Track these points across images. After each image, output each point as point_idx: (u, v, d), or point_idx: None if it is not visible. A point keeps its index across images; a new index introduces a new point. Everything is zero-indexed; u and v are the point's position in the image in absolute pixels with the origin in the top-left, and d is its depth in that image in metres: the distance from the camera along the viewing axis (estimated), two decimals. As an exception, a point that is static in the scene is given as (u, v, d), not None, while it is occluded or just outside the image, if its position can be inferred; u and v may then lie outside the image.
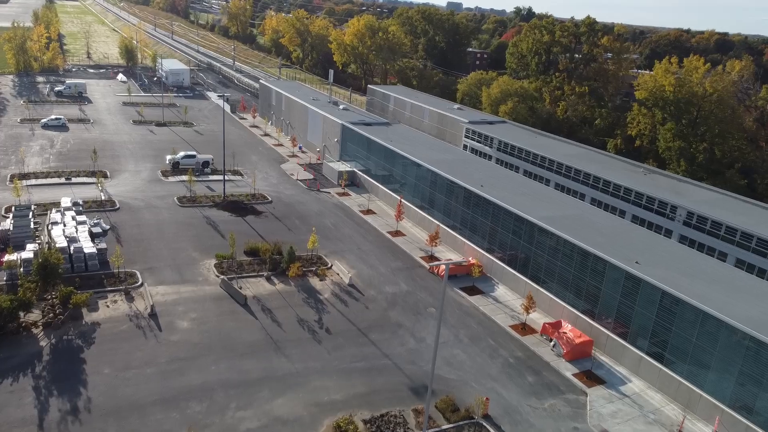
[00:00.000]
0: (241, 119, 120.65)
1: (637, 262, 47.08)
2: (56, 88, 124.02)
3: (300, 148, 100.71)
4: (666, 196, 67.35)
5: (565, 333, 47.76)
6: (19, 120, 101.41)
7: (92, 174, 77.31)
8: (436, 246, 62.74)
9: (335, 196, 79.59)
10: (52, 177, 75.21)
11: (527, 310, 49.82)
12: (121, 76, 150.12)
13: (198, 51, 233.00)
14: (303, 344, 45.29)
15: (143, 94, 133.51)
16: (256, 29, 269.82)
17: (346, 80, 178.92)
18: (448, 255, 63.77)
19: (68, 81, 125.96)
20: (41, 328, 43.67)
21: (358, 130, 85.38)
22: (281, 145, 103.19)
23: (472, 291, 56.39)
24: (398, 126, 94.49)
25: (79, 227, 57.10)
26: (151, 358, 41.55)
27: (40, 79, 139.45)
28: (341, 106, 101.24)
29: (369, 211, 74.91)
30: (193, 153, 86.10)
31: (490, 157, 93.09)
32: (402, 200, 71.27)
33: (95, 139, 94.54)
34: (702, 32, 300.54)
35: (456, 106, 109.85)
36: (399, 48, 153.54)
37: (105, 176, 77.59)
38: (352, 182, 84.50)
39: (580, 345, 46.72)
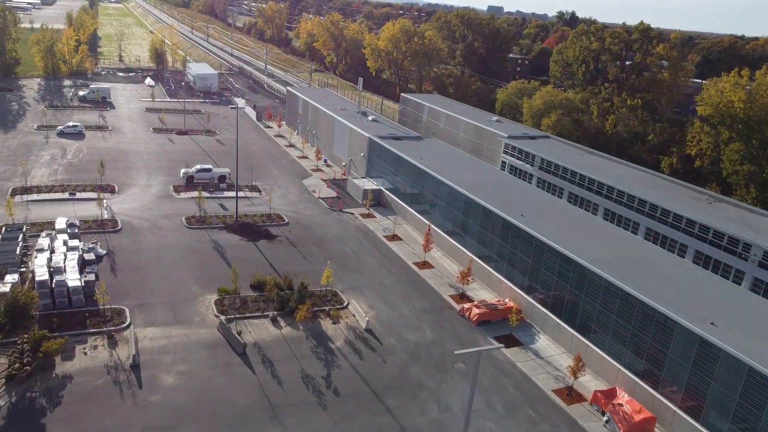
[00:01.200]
0: (266, 128, 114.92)
1: (712, 323, 38.59)
2: (80, 93, 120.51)
3: (325, 161, 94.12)
4: (737, 231, 58.08)
5: (622, 406, 39.48)
6: (35, 126, 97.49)
7: (100, 188, 72.06)
8: (468, 284, 54.94)
9: (359, 218, 72.55)
10: (56, 191, 70.13)
11: (574, 373, 41.70)
12: (149, 81, 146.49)
13: (231, 54, 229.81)
14: (305, 410, 38.18)
15: (168, 100, 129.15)
16: (292, 33, 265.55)
17: (379, 87, 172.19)
18: (481, 294, 55.93)
19: (92, 86, 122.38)
20: (4, 381, 37.66)
21: (386, 145, 78.19)
22: (306, 157, 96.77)
23: (509, 341, 48.46)
24: (431, 140, 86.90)
25: (70, 254, 51.32)
26: (122, 427, 35.02)
27: (67, 82, 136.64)
28: (370, 117, 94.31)
29: (394, 237, 67.58)
30: (209, 166, 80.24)
31: (531, 176, 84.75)
32: (431, 226, 63.78)
33: (110, 149, 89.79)
34: (756, 38, 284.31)
35: (494, 118, 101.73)
36: (435, 54, 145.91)
37: (112, 191, 72.27)
38: (378, 202, 77.35)
39: (641, 423, 38.41)
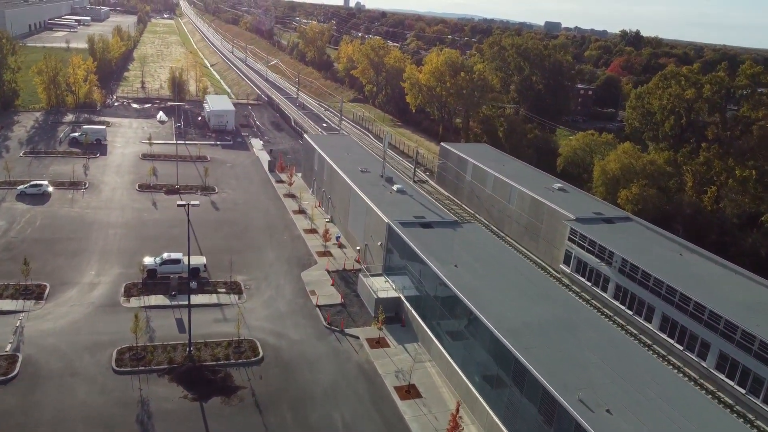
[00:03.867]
0: (278, 182, 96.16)
1: None
2: (71, 134, 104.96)
3: (337, 239, 74.25)
4: None
5: None
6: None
7: (25, 291, 54.37)
8: None
9: (365, 346, 52.29)
10: (-39, 298, 52.70)
11: None
12: (160, 115, 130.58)
13: (266, 79, 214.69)
14: None
15: (173, 142, 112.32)
16: (335, 55, 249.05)
17: (421, 122, 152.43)
18: None
19: (85, 126, 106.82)
20: None
21: (409, 240, 57.60)
22: (315, 231, 77.13)
23: None
24: (472, 228, 65.45)
25: None
26: None
27: (68, 117, 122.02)
28: (395, 187, 73.78)
29: (410, 390, 46.89)
30: (179, 255, 61.46)
31: (606, 281, 62.75)
32: (463, 395, 42.90)
33: (71, 219, 72.57)
34: None
35: (556, 185, 79.93)
36: (486, 91, 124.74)
37: (39, 296, 54.32)
38: (396, 314, 57.02)
39: None
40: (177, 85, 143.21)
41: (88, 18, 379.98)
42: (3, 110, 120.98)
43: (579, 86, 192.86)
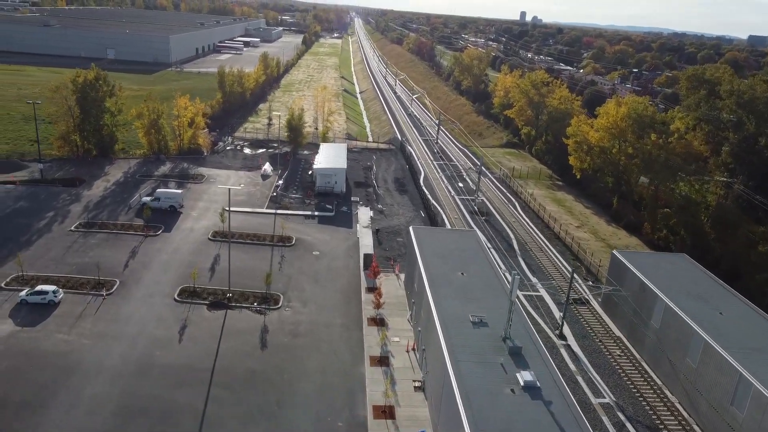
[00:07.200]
0: (369, 290, 69.32)
1: None
2: (143, 199, 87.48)
3: (420, 441, 45.13)
4: None
5: None
6: (4, 283, 63.76)
7: None
8: None
9: None
10: None
11: None
12: (266, 169, 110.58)
13: (409, 113, 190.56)
14: None
15: (259, 211, 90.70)
16: (492, 85, 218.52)
17: (589, 185, 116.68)
18: None
19: (159, 190, 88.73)
20: None
21: None
22: (390, 412, 48.66)
23: None
24: None
25: None
26: None
27: (163, 168, 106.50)
28: (524, 377, 42.34)
29: None
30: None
31: None
32: None
33: (53, 359, 51.73)
34: None
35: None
36: (687, 161, 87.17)
37: None
38: None
39: None
40: (295, 128, 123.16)
41: (258, 39, 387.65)
42: (101, 157, 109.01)
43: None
